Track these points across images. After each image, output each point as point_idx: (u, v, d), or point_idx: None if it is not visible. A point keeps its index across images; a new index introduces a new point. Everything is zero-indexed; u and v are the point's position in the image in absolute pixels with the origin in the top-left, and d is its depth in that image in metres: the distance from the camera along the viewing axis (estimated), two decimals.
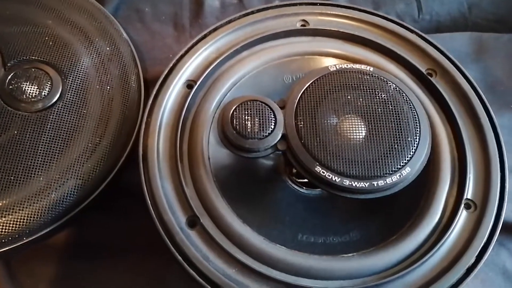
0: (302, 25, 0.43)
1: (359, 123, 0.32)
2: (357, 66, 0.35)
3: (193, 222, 0.34)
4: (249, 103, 0.32)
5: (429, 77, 0.41)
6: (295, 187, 0.39)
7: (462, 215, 0.36)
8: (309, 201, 0.39)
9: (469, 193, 0.37)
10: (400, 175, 0.31)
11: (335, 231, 0.37)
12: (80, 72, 0.41)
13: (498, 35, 0.55)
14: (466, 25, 0.56)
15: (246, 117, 0.32)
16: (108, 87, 0.42)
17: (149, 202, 0.34)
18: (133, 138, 0.41)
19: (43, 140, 0.38)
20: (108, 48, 0.44)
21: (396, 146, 0.32)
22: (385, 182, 0.31)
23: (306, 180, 0.35)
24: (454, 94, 0.40)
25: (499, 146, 0.38)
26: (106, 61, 0.43)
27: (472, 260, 0.34)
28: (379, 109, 0.33)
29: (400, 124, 0.32)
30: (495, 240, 0.35)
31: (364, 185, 0.31)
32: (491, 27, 0.56)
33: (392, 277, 0.33)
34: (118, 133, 0.41)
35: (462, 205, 0.36)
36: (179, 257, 0.33)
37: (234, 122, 0.32)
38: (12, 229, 0.36)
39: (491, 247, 0.34)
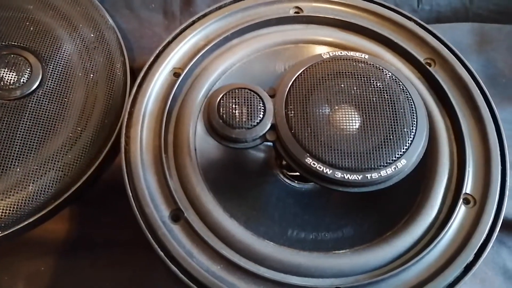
0: (295, 12, 0.42)
1: (353, 113, 0.31)
2: (352, 53, 0.34)
3: (176, 216, 0.33)
4: (237, 91, 0.31)
5: (428, 67, 0.39)
6: (286, 180, 0.38)
7: (461, 211, 0.34)
8: (300, 196, 0.38)
9: (468, 187, 0.35)
10: (395, 168, 0.30)
11: (327, 226, 0.35)
12: (62, 59, 0.40)
13: (500, 26, 0.54)
14: (467, 16, 0.55)
15: (234, 106, 0.31)
16: (92, 75, 0.40)
17: (131, 194, 0.33)
18: (117, 129, 0.39)
19: (21, 129, 0.36)
20: (92, 35, 0.42)
21: (391, 137, 0.30)
22: (379, 174, 0.30)
23: (297, 173, 0.34)
24: (454, 85, 0.39)
25: (500, 138, 0.37)
26: (90, 48, 0.41)
27: (471, 258, 0.33)
28: (374, 98, 0.31)
29: (396, 114, 0.31)
30: (495, 237, 0.33)
31: (357, 178, 0.30)
32: (492, 17, 0.55)
33: (386, 275, 0.32)
34: (101, 124, 0.39)
35: (461, 200, 0.34)
36: (161, 253, 0.31)
37: (221, 111, 0.30)
38: None
39: (490, 244, 0.33)
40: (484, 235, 0.33)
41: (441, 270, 0.32)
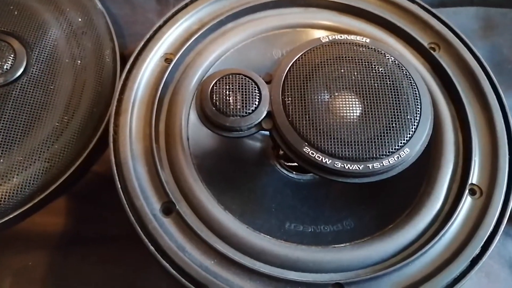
0: None
1: (353, 99, 0.30)
2: (352, 37, 0.33)
3: (168, 208, 0.31)
4: (231, 76, 0.30)
5: (432, 52, 0.38)
6: (284, 171, 0.37)
7: (466, 202, 0.33)
8: (299, 187, 0.36)
9: (474, 177, 0.34)
10: (398, 157, 0.29)
11: (327, 219, 0.34)
12: (47, 44, 0.38)
13: (505, 11, 0.53)
14: (471, 0, 0.53)
15: (228, 92, 0.30)
16: (80, 62, 0.39)
17: (119, 186, 0.31)
18: (107, 118, 0.37)
19: (4, 118, 0.35)
20: (80, 20, 0.40)
21: (394, 124, 0.29)
22: (381, 164, 0.28)
23: (295, 163, 0.32)
24: (459, 70, 0.38)
25: (508, 126, 0.35)
26: (78, 33, 0.40)
27: (477, 251, 0.31)
28: (376, 84, 0.30)
29: (398, 100, 0.30)
30: (502, 229, 0.32)
31: (358, 168, 0.28)
32: (498, 2, 0.54)
33: (388, 269, 0.30)
34: (89, 112, 0.38)
35: (467, 191, 0.33)
36: (152, 248, 0.30)
37: (214, 98, 0.29)
38: None
39: (498, 237, 0.32)
40: (491, 228, 0.32)
41: (446, 264, 0.31)
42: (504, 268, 0.41)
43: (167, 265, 0.29)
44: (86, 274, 0.39)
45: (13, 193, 0.34)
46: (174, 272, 0.29)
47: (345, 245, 0.32)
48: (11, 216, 0.33)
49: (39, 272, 0.39)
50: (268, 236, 0.32)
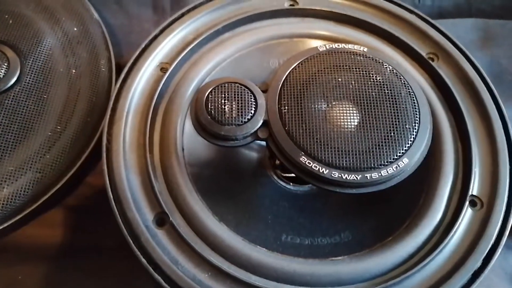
0: (290, 5, 0.40)
1: (351, 109, 0.29)
2: (350, 46, 0.32)
3: (161, 220, 0.31)
4: (226, 85, 0.30)
5: (430, 62, 0.37)
6: (281, 182, 0.36)
7: (467, 214, 0.32)
8: (295, 199, 0.36)
9: (474, 189, 0.33)
10: (396, 167, 0.28)
11: (324, 231, 0.33)
12: (42, 53, 0.38)
13: (503, 22, 0.53)
14: (469, 11, 0.54)
15: (223, 101, 0.29)
16: (74, 71, 0.38)
17: (112, 196, 0.31)
18: (101, 128, 0.37)
19: None
20: (75, 29, 0.40)
21: (392, 134, 0.29)
22: (379, 174, 0.28)
23: (292, 174, 0.32)
24: (458, 80, 0.37)
25: (508, 137, 0.35)
26: (73, 42, 0.40)
27: (479, 264, 0.31)
28: (374, 93, 0.30)
29: (397, 110, 0.29)
30: (504, 241, 0.31)
31: (355, 178, 0.28)
32: (496, 13, 0.54)
33: (387, 283, 0.30)
34: (83, 122, 0.37)
35: (467, 202, 0.32)
36: (143, 260, 0.29)
37: (209, 106, 0.29)
38: None
39: (499, 249, 0.31)
40: (493, 240, 0.31)
41: (447, 278, 0.30)
42: (504, 281, 0.40)
43: (159, 278, 0.29)
44: (77, 285, 0.38)
45: (3, 204, 0.33)
46: (166, 286, 0.28)
47: (343, 258, 0.31)
48: (1, 227, 0.33)
49: (30, 284, 0.38)
50: (264, 248, 0.31)
